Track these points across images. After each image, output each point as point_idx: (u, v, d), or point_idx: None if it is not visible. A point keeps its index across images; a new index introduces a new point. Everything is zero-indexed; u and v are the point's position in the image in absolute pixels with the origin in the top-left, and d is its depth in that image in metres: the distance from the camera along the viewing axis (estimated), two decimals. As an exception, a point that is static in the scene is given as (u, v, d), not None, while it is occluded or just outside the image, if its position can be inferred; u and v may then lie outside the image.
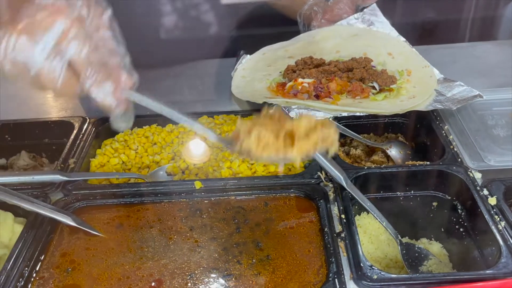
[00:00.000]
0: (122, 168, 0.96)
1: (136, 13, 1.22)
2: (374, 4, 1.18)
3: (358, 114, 0.92)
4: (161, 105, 0.63)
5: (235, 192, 0.83)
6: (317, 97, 0.97)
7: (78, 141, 0.97)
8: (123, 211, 0.81)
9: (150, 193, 0.83)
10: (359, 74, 0.99)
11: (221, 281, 0.68)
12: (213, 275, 0.69)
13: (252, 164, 0.88)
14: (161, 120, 1.03)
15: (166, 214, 0.80)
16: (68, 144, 0.96)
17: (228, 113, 1.02)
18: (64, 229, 0.78)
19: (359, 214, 0.84)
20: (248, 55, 1.15)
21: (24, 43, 0.55)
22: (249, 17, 1.33)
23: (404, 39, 1.13)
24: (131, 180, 0.91)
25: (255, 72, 1.09)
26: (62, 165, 0.90)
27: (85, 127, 1.01)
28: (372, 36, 1.15)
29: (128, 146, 0.99)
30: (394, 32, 1.16)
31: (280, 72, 1.07)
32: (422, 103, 0.94)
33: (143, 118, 1.03)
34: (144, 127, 1.03)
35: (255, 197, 0.82)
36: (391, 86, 0.99)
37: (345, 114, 0.92)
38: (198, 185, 0.83)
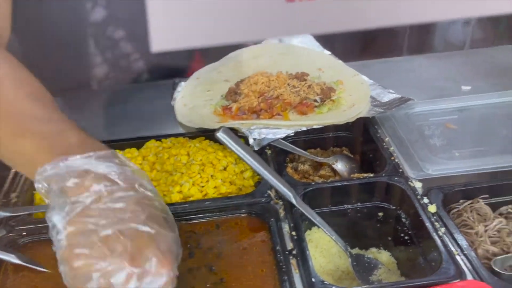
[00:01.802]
0: (69, 198, 0.94)
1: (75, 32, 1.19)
2: None
3: (305, 128, 0.95)
4: None
5: (186, 217, 0.82)
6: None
7: (20, 173, 0.93)
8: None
9: (99, 223, 0.82)
10: (303, 93, 1.02)
11: (176, 308, 0.67)
12: (167, 303, 0.68)
13: (203, 186, 0.88)
14: (108, 146, 1.02)
15: (116, 244, 0.78)
16: (9, 177, 0.92)
17: (176, 135, 1.02)
18: (9, 267, 0.74)
19: (310, 229, 0.86)
20: (183, 82, 1.15)
21: None
22: None
23: (329, 53, 1.20)
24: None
25: (195, 98, 1.10)
26: (3, 200, 0.87)
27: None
28: (300, 53, 1.21)
29: (74, 175, 0.96)
30: (318, 47, 1.22)
31: (222, 96, 1.08)
32: (364, 110, 0.99)
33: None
34: (90, 154, 1.01)
35: (206, 220, 0.82)
36: (332, 98, 1.03)
37: (304, 128, 0.95)
38: (148, 211, 0.83)
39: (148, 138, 1.02)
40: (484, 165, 0.87)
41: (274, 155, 0.97)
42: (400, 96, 1.03)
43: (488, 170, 0.86)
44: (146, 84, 1.24)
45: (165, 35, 0.24)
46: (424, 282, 0.67)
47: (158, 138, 1.02)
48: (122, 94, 1.23)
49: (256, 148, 0.91)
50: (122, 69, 1.23)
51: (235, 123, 0.97)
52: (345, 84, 1.08)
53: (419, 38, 3.12)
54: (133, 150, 1.00)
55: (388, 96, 1.04)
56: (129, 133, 1.06)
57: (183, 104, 1.09)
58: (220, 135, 0.81)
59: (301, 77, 1.08)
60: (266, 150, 0.97)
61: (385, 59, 1.30)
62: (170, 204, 0.84)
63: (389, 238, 0.89)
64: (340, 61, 1.17)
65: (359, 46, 1.49)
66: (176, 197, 0.87)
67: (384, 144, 0.95)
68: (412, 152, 0.92)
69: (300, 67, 1.13)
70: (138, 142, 1.02)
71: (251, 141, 0.92)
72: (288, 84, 1.05)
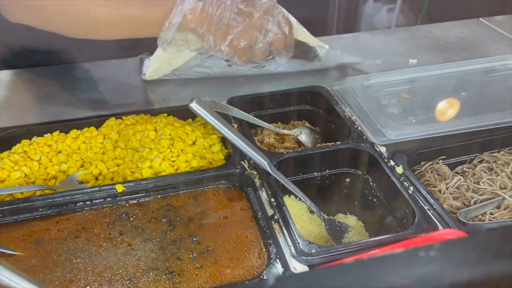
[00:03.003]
0: (26, 181, 0.88)
1: None
2: None
3: None
4: None
5: (161, 191, 0.81)
6: None
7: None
8: (40, 225, 0.74)
9: (68, 203, 0.77)
10: None
11: (165, 279, 0.66)
12: (155, 275, 0.67)
13: (174, 161, 0.86)
14: (64, 127, 0.96)
15: (90, 222, 0.75)
16: (-41, 161, 0.85)
17: (137, 112, 0.99)
18: (-27, 254, 0.69)
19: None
20: (150, 57, 1.12)
21: None
22: None
23: None
24: (37, 193, 0.83)
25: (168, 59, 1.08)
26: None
27: (-26, 141, 0.90)
28: None
29: (29, 157, 0.90)
30: None
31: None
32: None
33: (43, 126, 0.96)
34: (45, 135, 0.95)
35: (182, 193, 0.81)
36: None
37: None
38: (120, 188, 0.80)
39: (108, 116, 0.98)
40: (439, 129, 0.93)
41: (241, 129, 0.97)
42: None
43: (444, 134, 0.92)
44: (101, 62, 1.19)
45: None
46: (402, 236, 0.71)
47: (119, 115, 0.98)
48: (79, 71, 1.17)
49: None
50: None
51: None
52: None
53: (346, 22, 3.24)
54: (92, 129, 0.96)
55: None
56: (85, 113, 1.01)
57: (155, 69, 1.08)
58: (194, 105, 0.79)
59: None
60: (233, 124, 0.97)
61: (322, 37, 1.34)
62: (142, 180, 0.82)
63: (356, 203, 0.93)
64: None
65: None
66: (147, 173, 0.84)
67: (346, 114, 0.99)
68: (373, 120, 0.97)
69: None
70: (96, 121, 0.98)
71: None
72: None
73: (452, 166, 0.90)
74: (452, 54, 1.23)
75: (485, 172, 0.88)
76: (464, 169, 0.90)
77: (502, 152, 0.92)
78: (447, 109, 1.04)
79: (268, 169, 0.81)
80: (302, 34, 1.03)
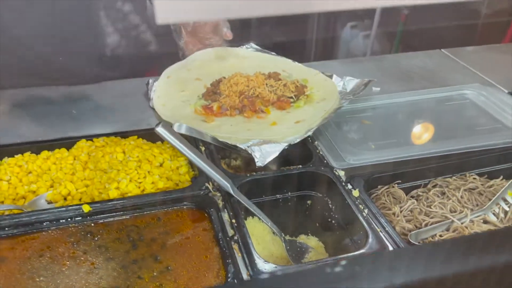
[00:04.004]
0: (-6, 201, 0.90)
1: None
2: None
3: (299, 140, 0.95)
4: None
5: (126, 212, 0.83)
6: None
7: None
8: (6, 244, 0.76)
9: (34, 222, 0.80)
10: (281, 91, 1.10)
11: (125, 297, 0.69)
12: (115, 294, 0.69)
13: (140, 182, 0.90)
14: (35, 148, 0.99)
15: (55, 241, 0.77)
16: None
17: (108, 135, 1.02)
18: None
19: (246, 219, 0.91)
20: (155, 82, 1.16)
21: None
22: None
23: (282, 57, 1.29)
24: (6, 212, 0.85)
25: (171, 99, 1.12)
26: None
27: None
28: (261, 57, 1.30)
29: (-1, 177, 0.93)
30: (271, 54, 1.32)
31: (199, 96, 1.12)
32: (336, 102, 1.08)
33: (14, 147, 0.98)
34: (16, 156, 0.97)
35: (147, 213, 0.84)
36: (306, 93, 1.13)
37: (298, 140, 0.96)
38: (86, 208, 0.82)
39: (78, 138, 1.01)
40: (396, 155, 0.98)
41: (208, 152, 1.00)
42: (360, 79, 1.15)
43: (400, 159, 0.97)
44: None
45: (169, 8, 0.28)
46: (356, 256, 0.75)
47: (89, 137, 1.01)
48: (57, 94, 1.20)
49: (261, 164, 0.90)
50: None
51: (232, 137, 0.96)
52: (310, 82, 1.18)
53: (324, 47, 3.34)
54: (63, 150, 0.99)
55: (350, 83, 1.15)
56: (56, 134, 1.04)
57: (162, 105, 1.10)
58: (160, 129, 0.83)
59: (275, 76, 1.16)
60: (200, 147, 1.01)
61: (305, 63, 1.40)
62: (108, 201, 0.85)
63: (317, 224, 0.96)
64: (297, 63, 1.26)
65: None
66: (113, 193, 0.87)
67: (309, 139, 1.03)
68: (334, 145, 1.01)
69: (265, 68, 1.21)
70: (67, 143, 1.00)
71: (256, 157, 0.91)
72: (266, 84, 1.12)
73: (407, 190, 0.95)
74: (414, 83, 1.30)
75: (437, 196, 0.93)
76: (419, 193, 0.95)
77: (454, 177, 0.97)
78: (421, 134, 1.10)
79: (231, 191, 0.85)
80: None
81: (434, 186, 0.96)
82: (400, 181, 0.95)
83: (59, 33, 1.20)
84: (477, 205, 0.92)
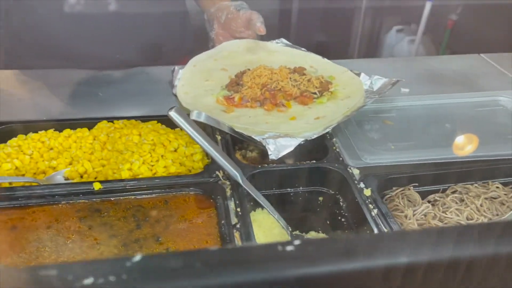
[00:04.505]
0: (16, 173, 0.93)
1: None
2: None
3: (316, 136, 0.93)
4: None
5: (135, 192, 0.85)
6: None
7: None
8: (17, 213, 0.79)
9: (46, 195, 0.82)
10: (304, 86, 1.09)
11: (121, 274, 0.69)
12: (113, 270, 0.70)
13: (152, 165, 0.91)
14: (59, 126, 1.02)
15: (63, 215, 0.80)
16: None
17: (128, 118, 1.04)
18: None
19: (255, 210, 0.91)
20: (181, 70, 1.18)
21: None
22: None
23: (312, 53, 1.27)
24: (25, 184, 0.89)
25: (195, 88, 1.13)
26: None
27: (-26, 132, 0.97)
28: (291, 53, 1.28)
29: (22, 151, 0.96)
30: (301, 50, 1.30)
31: (222, 87, 1.13)
32: (360, 100, 1.05)
33: (39, 123, 1.02)
34: (39, 132, 1.01)
35: (155, 196, 0.85)
36: (330, 90, 1.11)
37: (315, 136, 0.93)
38: (97, 186, 0.84)
39: (100, 119, 1.03)
40: (415, 157, 0.95)
41: (224, 142, 1.01)
42: (388, 79, 1.12)
43: (419, 162, 0.94)
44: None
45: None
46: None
47: (110, 119, 1.04)
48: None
49: (275, 158, 0.89)
50: None
51: (249, 128, 0.96)
52: (337, 79, 1.16)
53: (368, 49, 3.28)
54: (84, 130, 1.01)
55: (378, 82, 1.12)
56: (80, 114, 1.07)
57: (185, 93, 1.11)
58: (173, 114, 0.84)
59: (300, 71, 1.15)
60: (217, 136, 1.01)
61: (341, 60, 1.37)
62: (119, 180, 0.87)
63: (328, 222, 0.95)
64: (327, 60, 1.24)
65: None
66: (126, 174, 0.89)
67: (327, 135, 1.02)
68: (352, 143, 0.99)
69: (293, 63, 1.20)
70: (90, 123, 1.03)
71: (270, 150, 0.90)
72: (290, 78, 1.11)
73: (424, 194, 0.92)
74: (446, 86, 1.25)
75: (455, 202, 0.90)
76: (436, 197, 0.92)
77: (475, 184, 0.93)
78: (445, 138, 1.05)
79: (239, 180, 0.85)
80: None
81: (453, 192, 0.92)
82: (417, 184, 0.92)
83: (93, 20, 1.24)
84: (497, 215, 0.87)
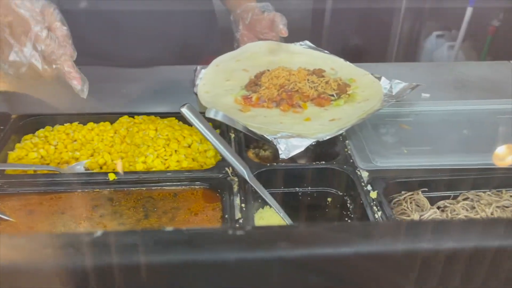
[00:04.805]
0: (41, 162, 0.99)
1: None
2: None
3: (329, 137, 0.94)
4: None
5: (147, 184, 0.89)
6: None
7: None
8: (36, 199, 0.85)
9: (64, 183, 0.88)
10: (322, 88, 1.11)
11: (125, 260, 0.73)
12: (117, 255, 0.74)
13: (166, 159, 0.94)
14: (83, 119, 1.08)
15: (78, 203, 0.84)
16: (-14, 137, 0.98)
17: (148, 114, 1.09)
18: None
19: (263, 208, 0.92)
20: (203, 69, 1.22)
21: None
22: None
23: (333, 55, 1.28)
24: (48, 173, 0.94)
25: (215, 87, 1.16)
26: (-21, 157, 0.93)
27: (7, 122, 1.04)
28: (312, 55, 1.30)
29: (48, 142, 1.02)
30: (324, 52, 1.31)
31: (242, 87, 1.16)
32: (377, 103, 1.06)
33: (65, 116, 1.08)
34: (65, 124, 1.07)
35: (165, 188, 0.88)
36: (348, 92, 1.12)
37: (328, 137, 0.95)
38: (111, 176, 0.89)
39: (121, 114, 1.08)
40: (428, 162, 0.94)
41: (237, 140, 1.03)
42: (408, 83, 1.12)
43: (430, 167, 0.93)
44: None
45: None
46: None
47: (131, 115, 1.08)
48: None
49: (285, 157, 0.91)
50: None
51: (262, 128, 0.98)
52: (357, 82, 1.16)
53: (406, 53, 3.22)
54: (107, 124, 1.07)
55: (398, 86, 1.13)
56: (104, 109, 1.12)
57: (205, 92, 1.15)
58: (184, 110, 0.87)
59: (319, 73, 1.16)
60: (231, 134, 1.04)
61: (374, 63, 1.36)
62: (133, 172, 0.91)
63: (335, 223, 0.95)
64: (349, 63, 1.25)
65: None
66: (140, 166, 0.93)
67: (340, 137, 1.02)
68: (364, 146, 0.99)
69: (314, 65, 1.22)
70: (111, 117, 1.08)
71: (280, 149, 0.92)
72: (308, 80, 1.13)
73: (434, 200, 0.91)
74: (469, 92, 1.23)
75: (466, 210, 0.88)
76: (446, 204, 0.91)
77: (488, 192, 0.91)
78: (461, 144, 1.04)
79: (246, 177, 0.87)
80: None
81: (464, 199, 0.91)
82: (426, 189, 0.91)
83: (122, 19, 1.30)
84: (508, 224, 0.85)
